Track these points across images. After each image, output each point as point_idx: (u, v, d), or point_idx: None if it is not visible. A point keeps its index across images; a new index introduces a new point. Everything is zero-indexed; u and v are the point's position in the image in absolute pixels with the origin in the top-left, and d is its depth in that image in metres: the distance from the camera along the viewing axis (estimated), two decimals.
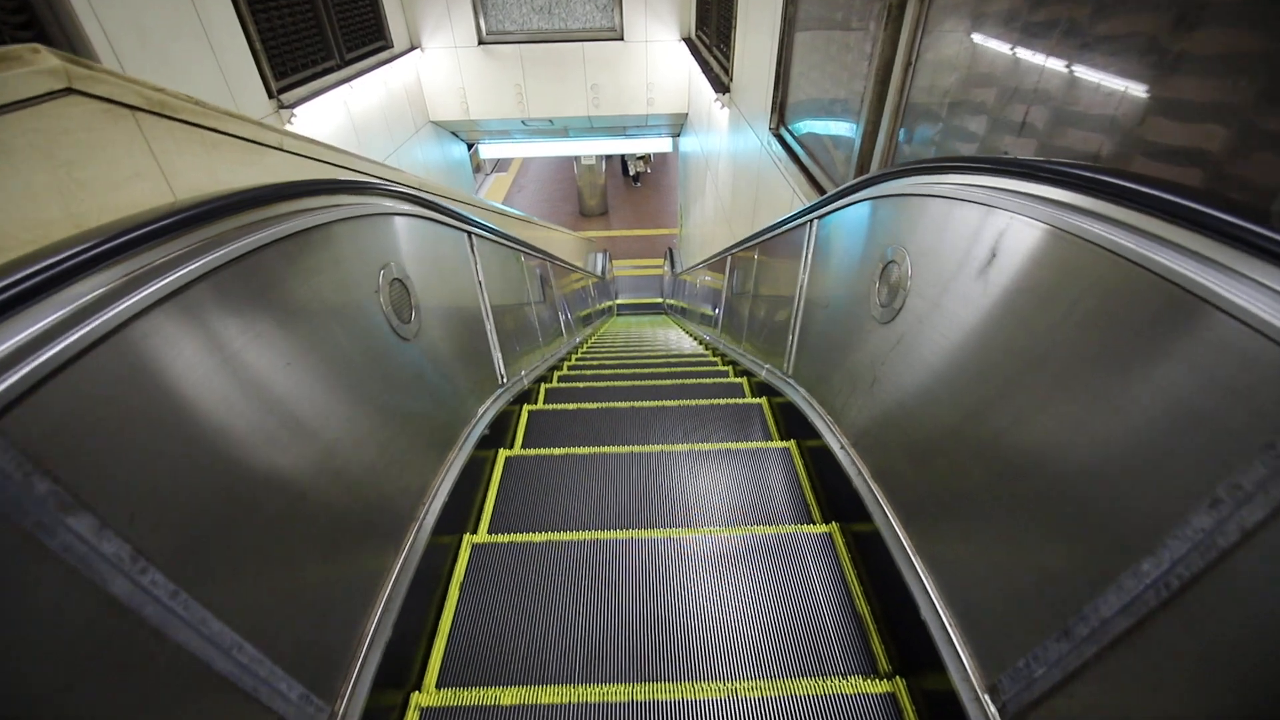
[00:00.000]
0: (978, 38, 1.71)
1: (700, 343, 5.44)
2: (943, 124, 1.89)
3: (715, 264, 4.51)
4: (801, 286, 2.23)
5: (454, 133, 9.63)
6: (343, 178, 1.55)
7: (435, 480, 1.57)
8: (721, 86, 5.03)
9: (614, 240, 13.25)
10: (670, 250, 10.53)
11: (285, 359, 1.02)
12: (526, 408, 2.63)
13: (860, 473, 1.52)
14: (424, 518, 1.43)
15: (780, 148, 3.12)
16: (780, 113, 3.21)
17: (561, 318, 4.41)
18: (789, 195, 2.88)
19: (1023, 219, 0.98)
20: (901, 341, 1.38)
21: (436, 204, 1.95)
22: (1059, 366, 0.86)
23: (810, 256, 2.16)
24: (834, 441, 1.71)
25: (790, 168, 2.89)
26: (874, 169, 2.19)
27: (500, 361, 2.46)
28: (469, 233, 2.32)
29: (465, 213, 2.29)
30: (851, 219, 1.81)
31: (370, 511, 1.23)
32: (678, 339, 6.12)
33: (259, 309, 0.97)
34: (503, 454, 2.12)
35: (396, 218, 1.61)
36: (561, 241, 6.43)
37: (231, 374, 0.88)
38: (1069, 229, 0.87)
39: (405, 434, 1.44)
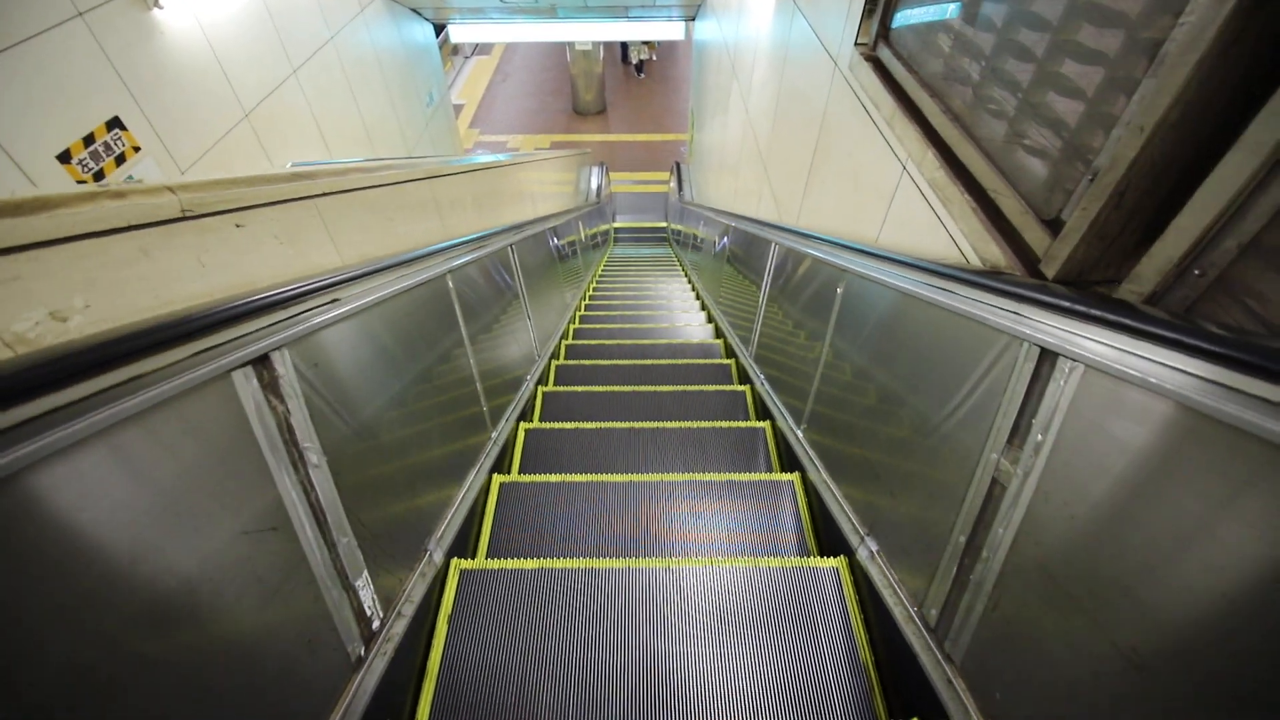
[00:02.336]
0: None
1: (710, 317, 4.38)
2: None
3: (748, 233, 3.34)
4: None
5: (415, 9, 7.75)
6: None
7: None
8: None
9: (612, 148, 11.54)
10: (678, 165, 9.01)
11: None
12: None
13: None
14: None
15: (880, 86, 1.81)
16: (884, 18, 1.89)
17: (533, 326, 3.34)
18: (890, 178, 1.73)
19: None
20: None
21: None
22: None
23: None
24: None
25: (910, 136, 1.59)
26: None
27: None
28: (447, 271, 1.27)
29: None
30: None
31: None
32: (686, 321, 5.02)
33: None
34: None
35: None
36: (551, 186, 5.10)
37: None
38: None
39: None
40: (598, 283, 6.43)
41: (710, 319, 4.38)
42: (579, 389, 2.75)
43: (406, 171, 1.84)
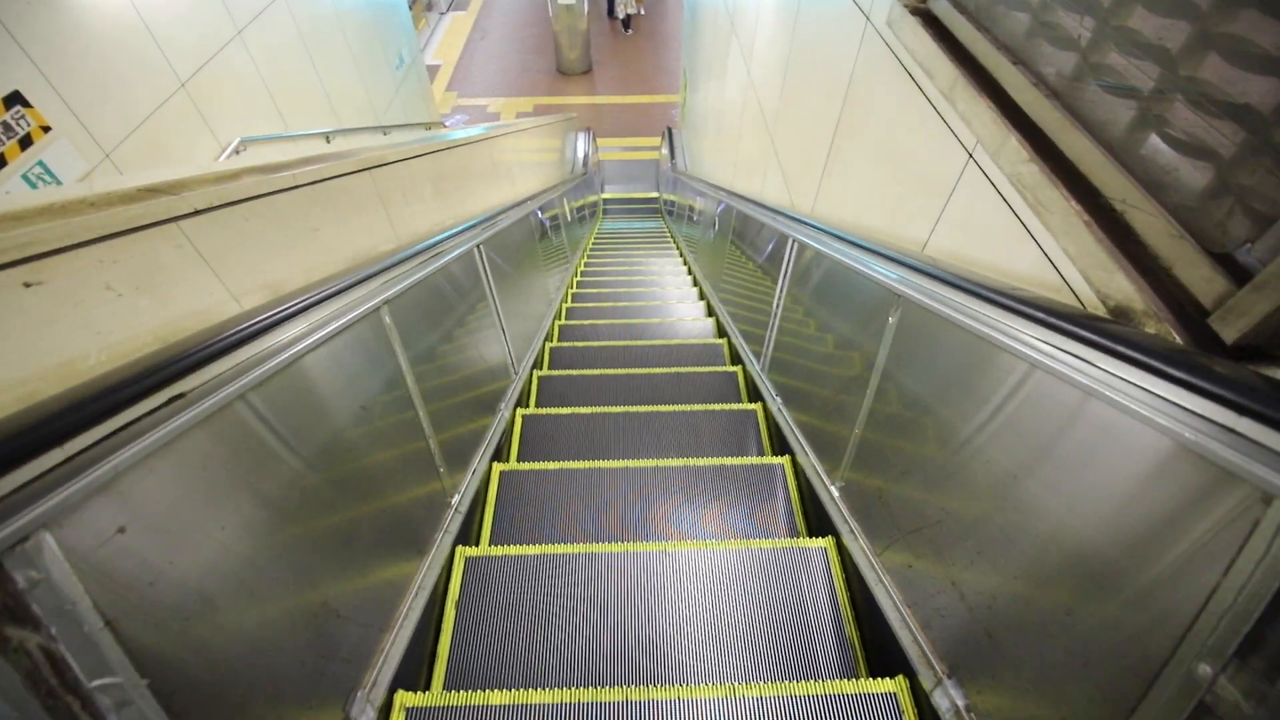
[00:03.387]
0: None
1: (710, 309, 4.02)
2: None
3: (756, 219, 2.96)
4: None
5: None
6: None
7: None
8: None
9: (599, 110, 10.88)
10: (670, 131, 8.46)
11: None
12: None
13: None
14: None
15: (935, 48, 1.40)
16: None
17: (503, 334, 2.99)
18: (949, 168, 1.36)
19: None
20: None
21: None
22: None
23: None
24: None
25: (982, 114, 1.22)
26: None
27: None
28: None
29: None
30: None
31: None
32: (682, 314, 4.65)
33: None
34: None
35: None
36: (532, 157, 4.62)
37: None
38: None
39: None
40: (586, 263, 6.02)
41: (710, 311, 4.02)
42: (564, 411, 2.41)
43: (335, 165, 1.45)
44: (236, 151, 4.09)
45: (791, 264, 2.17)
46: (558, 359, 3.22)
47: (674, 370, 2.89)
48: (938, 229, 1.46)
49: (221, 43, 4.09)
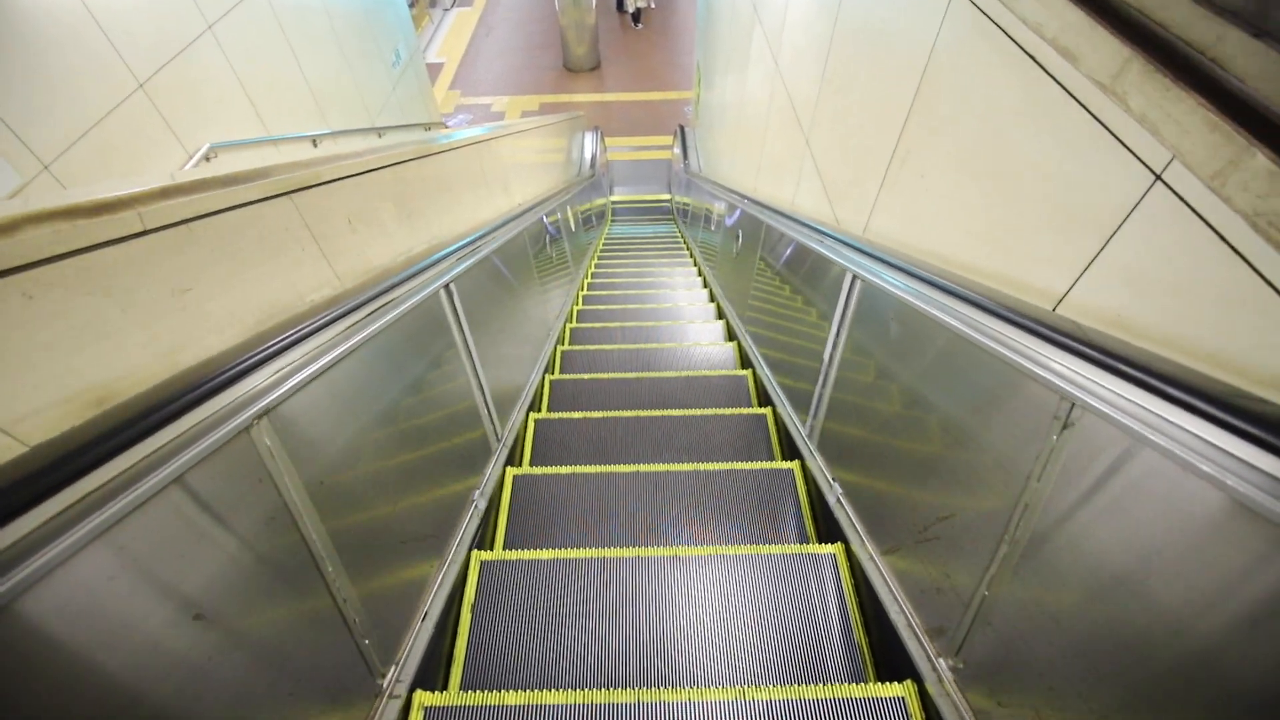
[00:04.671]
0: None
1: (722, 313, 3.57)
2: None
3: (793, 238, 2.50)
4: None
5: None
6: None
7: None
8: None
9: (608, 108, 10.44)
10: (682, 129, 8.00)
11: None
12: None
13: None
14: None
15: (1084, 17, 0.93)
16: None
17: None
18: (1116, 190, 0.89)
19: None
20: None
21: None
22: None
23: None
24: None
25: (1185, 115, 0.78)
26: None
27: None
28: None
29: None
30: None
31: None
32: (696, 337, 4.22)
33: None
34: None
35: None
36: (534, 160, 4.19)
37: None
38: None
39: None
40: (593, 273, 5.59)
41: (730, 334, 3.57)
42: (562, 471, 1.98)
43: (225, 193, 1.03)
44: (206, 158, 3.71)
45: (851, 307, 1.71)
46: (559, 397, 2.79)
47: (692, 413, 2.45)
48: (1088, 278, 1.00)
49: (188, 38, 3.70)
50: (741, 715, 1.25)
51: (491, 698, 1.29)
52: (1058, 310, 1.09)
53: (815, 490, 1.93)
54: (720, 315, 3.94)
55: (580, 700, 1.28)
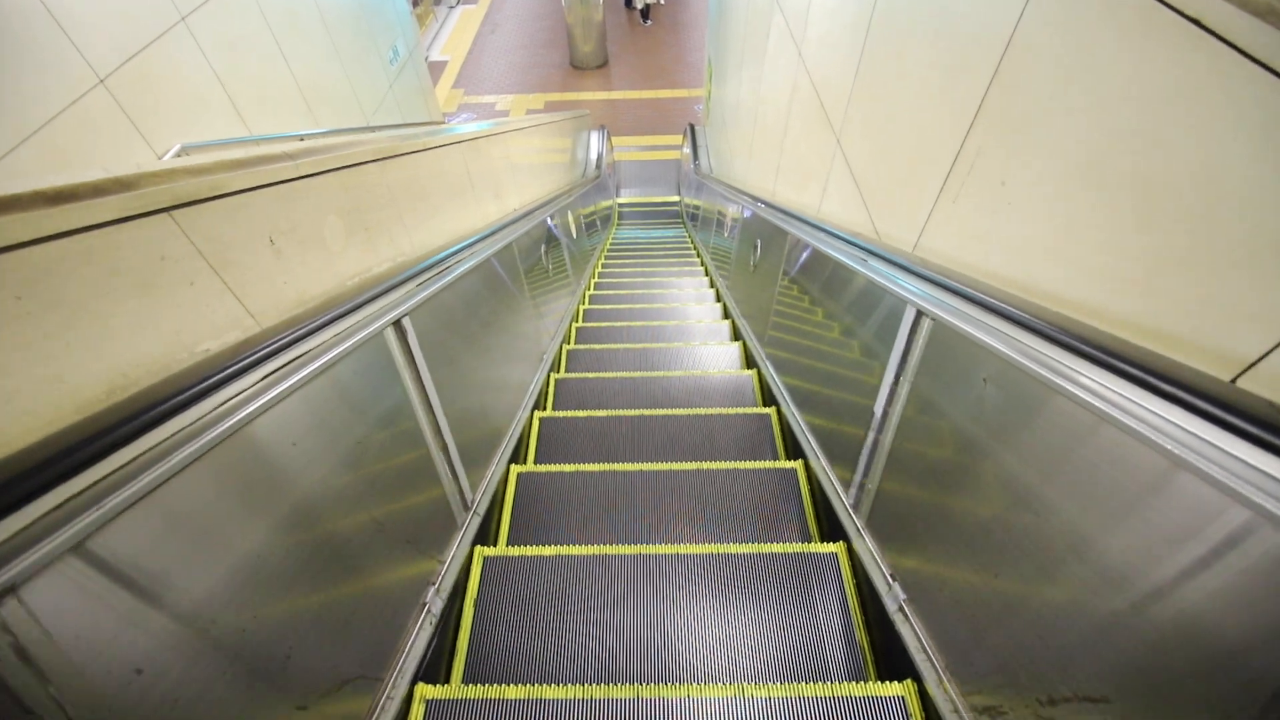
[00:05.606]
0: None
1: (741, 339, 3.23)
2: None
3: (836, 261, 2.14)
4: None
5: None
6: None
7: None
8: None
9: (615, 106, 10.12)
10: (692, 128, 7.66)
11: None
12: None
13: None
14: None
15: None
16: None
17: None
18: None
19: None
20: None
21: None
22: None
23: None
24: None
25: None
26: None
27: None
28: None
29: None
30: None
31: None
32: (712, 361, 3.88)
33: None
34: None
35: None
36: (532, 161, 3.86)
37: None
38: None
39: None
40: (597, 282, 5.26)
41: (748, 359, 3.22)
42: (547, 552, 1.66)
43: (41, 215, 0.71)
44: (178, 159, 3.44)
45: (916, 352, 1.36)
46: (546, 443, 2.46)
47: (705, 466, 2.11)
48: None
49: (158, 31, 3.42)
50: (741, 715, 1.26)
51: (492, 691, 1.30)
52: (1238, 383, 0.75)
53: (867, 587, 1.56)
54: (736, 335, 3.60)
55: (578, 695, 1.29)
